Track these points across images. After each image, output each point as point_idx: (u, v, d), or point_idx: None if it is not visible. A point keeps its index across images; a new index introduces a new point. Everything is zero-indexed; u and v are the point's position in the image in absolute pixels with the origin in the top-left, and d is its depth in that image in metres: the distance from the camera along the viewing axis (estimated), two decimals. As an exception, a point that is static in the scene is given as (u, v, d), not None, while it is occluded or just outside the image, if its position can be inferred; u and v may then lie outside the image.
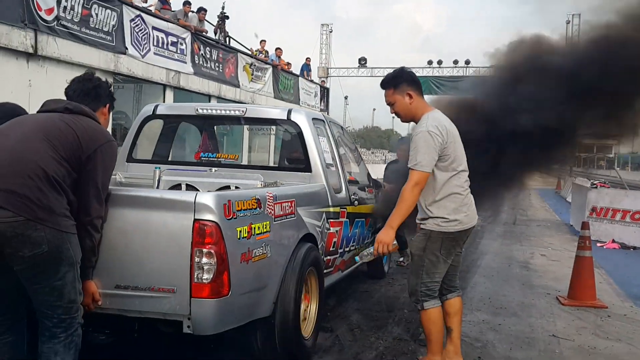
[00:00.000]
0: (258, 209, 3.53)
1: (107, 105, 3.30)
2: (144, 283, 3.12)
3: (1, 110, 3.39)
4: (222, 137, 13.37)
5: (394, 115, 4.08)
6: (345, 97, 59.57)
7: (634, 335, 5.16)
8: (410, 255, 4.03)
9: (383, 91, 4.06)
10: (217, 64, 16.36)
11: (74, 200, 2.91)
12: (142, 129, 5.25)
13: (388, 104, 4.05)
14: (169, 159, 5.53)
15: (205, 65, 15.72)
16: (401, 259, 8.08)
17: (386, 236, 3.81)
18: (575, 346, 4.79)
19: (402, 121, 4.08)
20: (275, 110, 5.26)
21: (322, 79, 32.18)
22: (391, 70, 4.28)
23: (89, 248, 2.99)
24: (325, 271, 4.79)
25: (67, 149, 2.88)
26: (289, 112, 5.02)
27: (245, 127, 12.65)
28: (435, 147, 3.74)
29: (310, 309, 4.42)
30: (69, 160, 2.88)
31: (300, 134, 4.95)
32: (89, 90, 3.19)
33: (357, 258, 4.24)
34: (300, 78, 23.04)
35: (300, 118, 4.97)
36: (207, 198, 3.11)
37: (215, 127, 6.29)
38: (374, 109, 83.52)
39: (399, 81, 4.00)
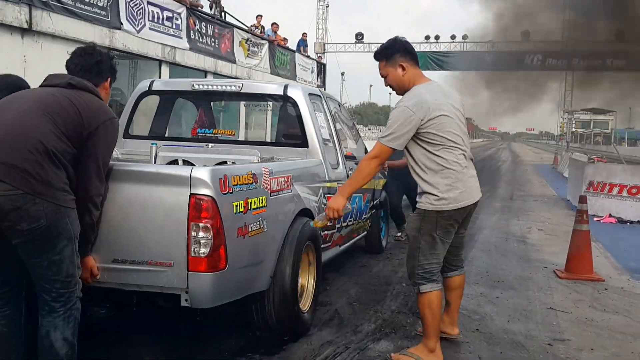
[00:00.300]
0: (254, 183, 3.51)
1: (109, 79, 3.26)
2: (142, 257, 3.12)
3: (3, 82, 3.36)
4: (219, 113, 13.33)
5: (389, 87, 3.91)
6: (342, 74, 59.27)
7: (631, 307, 5.19)
8: (407, 236, 3.93)
9: (378, 70, 3.88)
10: (212, 39, 16.22)
11: (74, 176, 2.89)
12: (138, 104, 5.22)
13: (382, 76, 3.89)
14: (166, 135, 5.51)
15: (200, 40, 15.58)
16: (399, 234, 8.10)
17: (336, 203, 3.73)
18: (572, 318, 4.82)
19: (397, 94, 3.88)
20: (272, 85, 5.22)
21: (318, 54, 32.02)
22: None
23: (88, 224, 2.99)
24: (322, 246, 4.79)
25: (69, 125, 2.86)
26: (286, 87, 4.98)
27: (242, 103, 12.60)
28: (408, 125, 3.55)
29: (308, 283, 4.43)
30: (70, 136, 2.86)
31: (296, 110, 4.92)
32: (91, 66, 3.15)
33: (311, 223, 4.09)
34: (296, 54, 22.87)
35: (297, 93, 4.93)
36: (203, 173, 3.10)
37: (212, 104, 6.25)
38: (371, 85, 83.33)
39: (390, 52, 3.81)
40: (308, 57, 25.16)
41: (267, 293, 3.82)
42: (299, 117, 4.88)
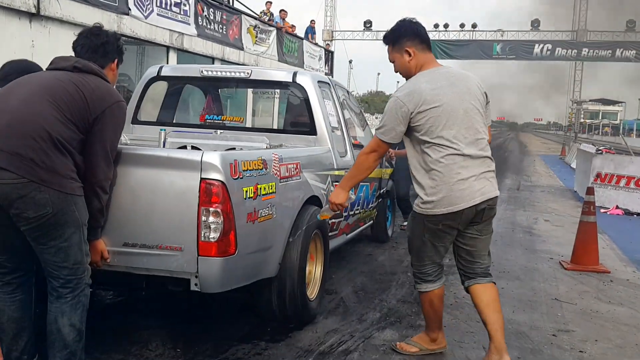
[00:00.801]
0: (264, 169, 3.53)
1: (116, 61, 3.24)
2: (152, 241, 3.14)
3: (15, 67, 3.37)
4: (226, 100, 13.31)
5: (398, 74, 3.67)
6: (350, 61, 59.02)
7: (636, 299, 5.20)
8: None
9: (387, 55, 3.64)
10: (220, 25, 16.19)
11: (81, 162, 2.89)
12: (146, 90, 5.22)
13: (390, 62, 3.62)
14: (174, 121, 5.51)
15: (208, 27, 15.55)
16: (405, 223, 8.10)
17: (337, 197, 3.62)
18: (577, 310, 4.84)
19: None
20: (281, 72, 5.22)
21: (326, 42, 31.92)
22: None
23: (97, 209, 2.99)
24: (330, 234, 4.81)
25: (74, 111, 2.85)
26: (295, 74, 4.98)
27: (250, 90, 12.59)
28: (398, 117, 3.32)
29: (315, 271, 4.45)
30: (76, 122, 2.85)
31: (305, 97, 4.92)
32: (97, 47, 3.13)
33: (318, 216, 4.02)
34: (304, 41, 22.81)
35: (306, 80, 4.93)
36: (213, 157, 3.11)
37: (219, 90, 6.26)
38: (379, 74, 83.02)
39: (397, 36, 3.52)
40: (316, 44, 25.09)
41: (275, 280, 3.85)
42: (308, 104, 4.88)
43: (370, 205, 6.21)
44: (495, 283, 3.63)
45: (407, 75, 3.56)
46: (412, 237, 3.63)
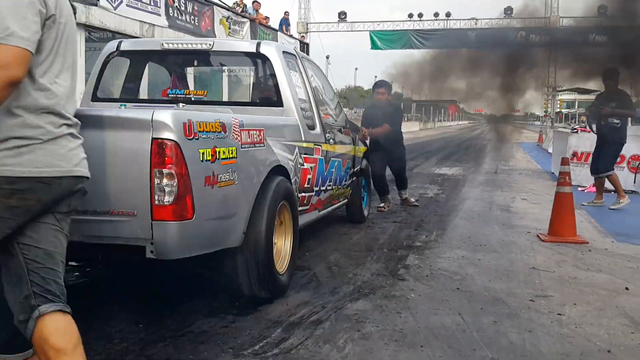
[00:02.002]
0: (222, 132, 3.35)
1: None
2: (103, 206, 2.96)
3: None
4: (199, 78, 13.03)
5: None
6: (327, 57, 58.92)
7: (615, 266, 5.10)
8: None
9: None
10: (192, 16, 15.94)
11: None
12: (105, 66, 5.01)
13: None
14: (136, 98, 5.31)
15: (180, 18, 15.30)
16: (381, 205, 7.98)
17: None
18: (555, 277, 4.73)
19: None
20: (244, 43, 5.07)
21: (301, 34, 31.71)
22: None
23: None
24: (300, 209, 4.66)
25: None
26: (258, 44, 4.80)
27: (223, 72, 12.30)
28: (31, 11, 2.06)
29: (285, 244, 4.30)
30: None
31: (270, 68, 4.76)
32: None
33: None
34: (279, 33, 22.62)
35: (270, 50, 4.77)
36: (165, 116, 2.93)
37: (186, 70, 6.07)
38: (356, 68, 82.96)
39: None
40: (291, 36, 24.91)
41: (240, 250, 3.68)
42: (273, 75, 4.72)
43: (343, 183, 6.06)
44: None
45: None
46: None
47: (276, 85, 4.74)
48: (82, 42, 15.34)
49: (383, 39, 33.16)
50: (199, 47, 4.92)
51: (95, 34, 12.91)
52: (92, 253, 3.23)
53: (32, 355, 2.80)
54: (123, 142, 2.94)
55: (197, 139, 3.08)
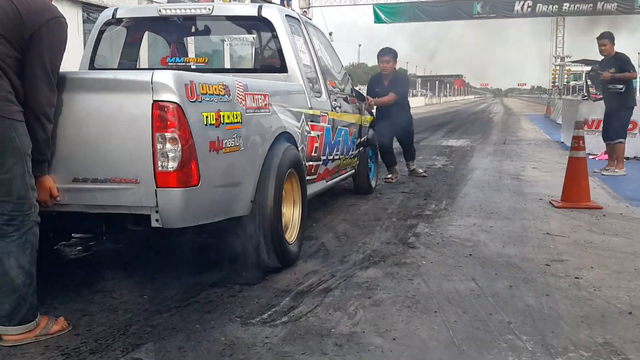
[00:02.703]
0: (226, 96, 3.23)
1: None
2: (105, 174, 2.85)
3: None
4: (200, 49, 12.82)
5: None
6: (330, 33, 58.32)
7: (632, 230, 4.99)
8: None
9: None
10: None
11: (20, 85, 2.64)
12: (102, 35, 4.88)
13: None
14: (135, 68, 5.19)
15: (180, -7, 15.05)
16: (389, 176, 7.87)
17: None
18: (570, 242, 4.62)
19: None
20: (245, 6, 4.89)
21: (303, 9, 31.29)
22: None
23: (42, 140, 2.73)
24: (308, 178, 4.54)
25: (6, 26, 2.60)
26: (260, 7, 4.65)
27: (224, 39, 12.10)
28: None
29: (293, 213, 4.19)
30: (9, 38, 2.60)
31: (273, 32, 4.62)
32: None
33: None
34: (281, 8, 22.27)
35: (272, 13, 4.62)
36: (166, 76, 2.80)
37: (185, 39, 5.93)
38: (360, 45, 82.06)
39: None
40: (292, 10, 24.55)
41: (248, 219, 3.58)
42: (276, 39, 4.58)
43: (350, 153, 5.94)
44: None
45: None
46: None
47: (280, 51, 4.60)
48: (80, 20, 15.24)
49: (387, 12, 32.62)
50: (197, 12, 4.77)
51: (94, 15, 12.73)
52: (95, 224, 3.13)
53: (34, 327, 2.73)
54: (122, 106, 2.82)
55: (200, 101, 2.95)
